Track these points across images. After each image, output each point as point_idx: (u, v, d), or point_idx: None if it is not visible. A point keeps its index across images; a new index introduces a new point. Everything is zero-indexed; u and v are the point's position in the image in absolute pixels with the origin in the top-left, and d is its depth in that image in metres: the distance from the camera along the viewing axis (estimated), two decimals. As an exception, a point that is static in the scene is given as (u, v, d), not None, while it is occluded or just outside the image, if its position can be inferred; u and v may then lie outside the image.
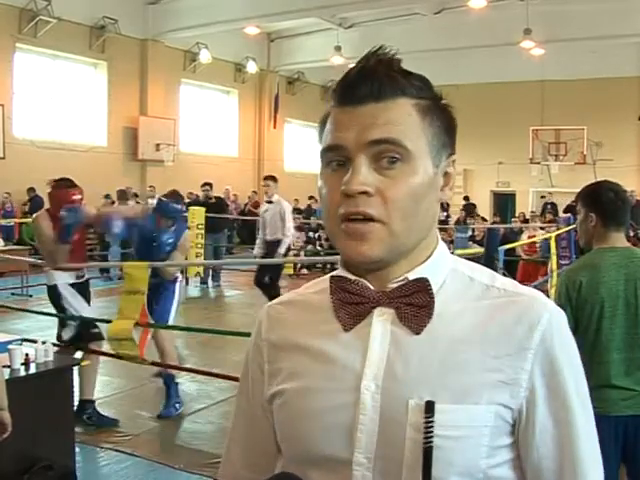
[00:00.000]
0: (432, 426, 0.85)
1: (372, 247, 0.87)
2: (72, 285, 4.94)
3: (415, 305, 0.90)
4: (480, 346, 0.88)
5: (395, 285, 0.91)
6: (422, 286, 0.90)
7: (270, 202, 8.33)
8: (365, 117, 0.87)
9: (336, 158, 0.89)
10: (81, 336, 4.88)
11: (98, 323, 4.92)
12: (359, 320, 0.92)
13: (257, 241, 8.53)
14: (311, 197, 17.52)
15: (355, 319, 0.92)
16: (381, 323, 0.91)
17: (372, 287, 0.92)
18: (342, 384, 0.91)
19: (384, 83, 0.88)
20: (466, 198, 19.50)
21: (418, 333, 0.89)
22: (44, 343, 3.71)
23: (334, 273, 0.96)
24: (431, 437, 0.84)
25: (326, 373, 0.92)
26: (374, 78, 0.88)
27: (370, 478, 0.88)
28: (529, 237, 11.20)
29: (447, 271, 0.94)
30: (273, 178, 8.44)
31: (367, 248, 0.87)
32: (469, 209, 15.81)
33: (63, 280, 4.89)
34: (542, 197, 17.93)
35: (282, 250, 8.13)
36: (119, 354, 4.46)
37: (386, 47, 0.91)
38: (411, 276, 0.91)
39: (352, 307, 0.92)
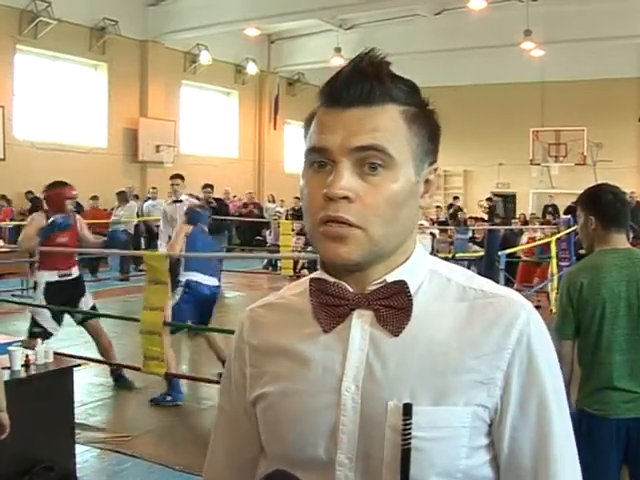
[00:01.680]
0: (410, 428, 0.86)
1: (350, 250, 0.87)
2: (56, 282, 5.39)
3: (393, 307, 0.90)
4: (458, 347, 0.89)
5: (374, 287, 0.92)
6: (400, 288, 0.91)
7: (179, 201, 8.18)
8: (352, 122, 0.87)
9: (319, 160, 0.89)
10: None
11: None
12: (338, 322, 0.92)
13: (160, 241, 8.33)
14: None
15: (334, 321, 0.92)
16: (360, 325, 0.92)
17: (351, 289, 0.92)
18: (323, 386, 0.91)
19: (374, 87, 0.88)
20: (489, 199, 19.55)
21: (397, 335, 0.90)
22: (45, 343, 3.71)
23: (313, 275, 0.97)
24: (409, 439, 0.85)
25: (307, 375, 0.93)
26: (364, 81, 0.88)
27: (352, 478, 0.89)
28: (529, 239, 11.20)
29: (425, 272, 0.95)
30: (181, 177, 8.32)
31: (345, 250, 0.87)
32: (493, 210, 16.14)
33: (46, 279, 5.39)
34: (547, 205, 17.88)
35: None
36: (144, 369, 4.77)
37: (377, 49, 0.90)
38: (389, 278, 0.91)
39: (331, 309, 0.93)
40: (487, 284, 0.95)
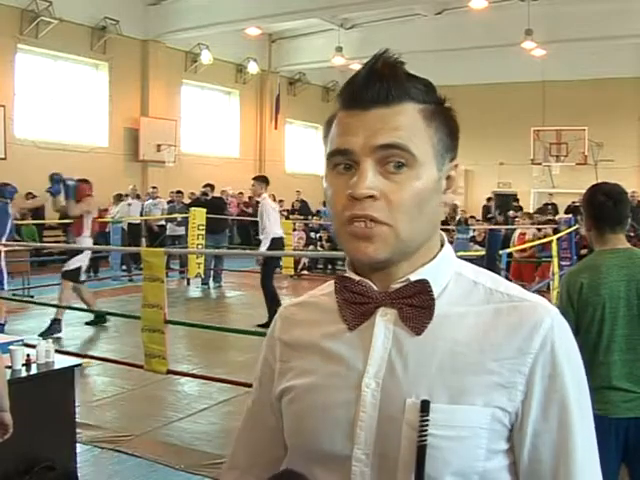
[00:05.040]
0: (427, 425, 0.86)
1: (377, 248, 0.89)
2: None
3: (416, 306, 0.91)
4: (480, 349, 0.89)
5: (397, 286, 0.93)
6: (422, 287, 0.92)
7: (257, 202, 8.48)
8: (373, 122, 0.89)
9: (343, 161, 0.91)
10: None
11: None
12: (363, 320, 0.94)
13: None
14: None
15: (359, 318, 0.94)
16: (384, 323, 0.93)
17: (376, 287, 0.93)
18: (345, 382, 0.93)
19: (392, 87, 0.89)
20: (499, 198, 19.49)
21: (419, 334, 0.91)
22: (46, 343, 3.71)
23: (340, 274, 0.99)
24: (425, 436, 0.86)
25: (331, 371, 0.95)
26: (382, 82, 0.89)
27: (368, 474, 0.90)
28: (520, 234, 11.22)
29: (451, 274, 0.95)
30: (257, 178, 8.56)
31: (373, 249, 0.89)
32: (517, 209, 16.08)
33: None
34: (546, 204, 17.80)
35: (262, 249, 8.18)
36: (147, 367, 4.77)
37: (391, 50, 0.92)
38: (413, 277, 0.92)
39: (356, 307, 0.94)
40: (514, 288, 0.96)
